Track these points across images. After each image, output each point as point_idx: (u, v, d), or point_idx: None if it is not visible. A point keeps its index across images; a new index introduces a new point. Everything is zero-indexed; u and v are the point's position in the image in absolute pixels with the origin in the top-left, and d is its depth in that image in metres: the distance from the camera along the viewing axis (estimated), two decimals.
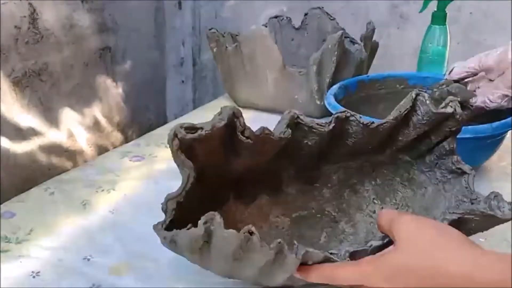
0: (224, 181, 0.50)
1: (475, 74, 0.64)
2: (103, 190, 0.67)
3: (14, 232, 0.57)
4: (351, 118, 0.47)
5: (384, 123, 0.47)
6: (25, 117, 0.79)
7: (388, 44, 1.12)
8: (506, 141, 0.68)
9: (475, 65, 0.63)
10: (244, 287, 0.49)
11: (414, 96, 0.46)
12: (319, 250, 0.40)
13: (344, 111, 0.47)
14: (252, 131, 0.43)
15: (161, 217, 0.60)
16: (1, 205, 0.63)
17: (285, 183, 0.55)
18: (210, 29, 0.95)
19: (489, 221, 0.42)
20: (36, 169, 0.81)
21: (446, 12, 0.87)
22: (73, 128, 0.91)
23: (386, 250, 0.39)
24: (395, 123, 0.47)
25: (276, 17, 1.06)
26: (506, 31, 1.01)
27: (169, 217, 0.42)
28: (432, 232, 0.37)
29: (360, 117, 0.47)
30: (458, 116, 0.45)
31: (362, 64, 0.91)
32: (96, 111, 0.98)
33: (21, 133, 0.79)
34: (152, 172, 0.73)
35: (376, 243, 0.41)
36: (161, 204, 0.42)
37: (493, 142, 0.66)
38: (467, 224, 0.43)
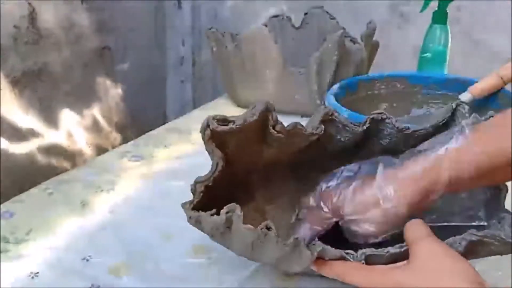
0: (253, 167, 0.51)
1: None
2: (102, 190, 0.67)
3: (13, 232, 0.57)
4: (387, 121, 0.47)
5: (421, 129, 0.47)
6: (24, 117, 0.79)
7: (388, 44, 1.12)
8: None
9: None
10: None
11: (454, 107, 0.47)
12: (335, 249, 0.41)
13: (380, 113, 0.47)
14: (284, 126, 0.44)
15: (161, 217, 0.60)
16: (1, 205, 0.62)
17: (316, 175, 0.54)
18: (210, 29, 0.94)
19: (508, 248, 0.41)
20: (35, 169, 0.81)
21: (447, 11, 0.87)
22: (72, 128, 0.91)
23: (399, 264, 0.40)
24: (431, 131, 0.47)
25: (276, 16, 1.06)
26: (506, 31, 1.01)
27: (197, 198, 0.43)
28: (445, 263, 0.37)
29: (396, 121, 0.46)
30: None
31: (362, 63, 0.91)
32: (95, 111, 0.97)
33: (20, 133, 0.79)
34: (151, 172, 0.72)
35: (393, 250, 0.40)
36: (191, 185, 0.44)
37: None
38: (486, 247, 0.41)
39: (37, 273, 0.50)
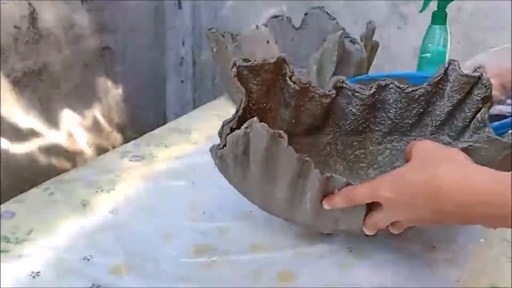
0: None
1: None
2: (102, 190, 0.67)
3: (14, 232, 0.57)
4: (391, 86, 0.54)
5: (419, 88, 0.53)
6: (24, 117, 0.79)
7: (388, 44, 1.12)
8: None
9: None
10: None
11: (446, 65, 0.51)
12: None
13: (384, 79, 0.54)
14: (299, 78, 0.51)
15: (162, 217, 0.60)
16: (1, 205, 0.62)
17: (329, 153, 0.59)
18: (210, 29, 0.94)
19: (496, 147, 0.46)
20: (36, 169, 0.81)
21: (447, 12, 0.87)
22: (72, 128, 0.91)
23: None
24: (429, 89, 0.53)
25: (276, 17, 1.06)
26: (506, 31, 1.01)
27: (223, 142, 0.46)
28: (437, 151, 0.42)
29: (397, 82, 0.54)
30: (485, 82, 0.49)
31: (362, 64, 0.91)
32: (95, 111, 0.98)
33: (20, 133, 0.79)
34: (152, 172, 0.72)
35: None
36: (218, 129, 0.48)
37: None
38: (478, 152, 0.48)
39: (38, 272, 0.50)
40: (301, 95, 0.53)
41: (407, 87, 0.54)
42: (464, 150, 0.45)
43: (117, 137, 1.04)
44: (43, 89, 0.82)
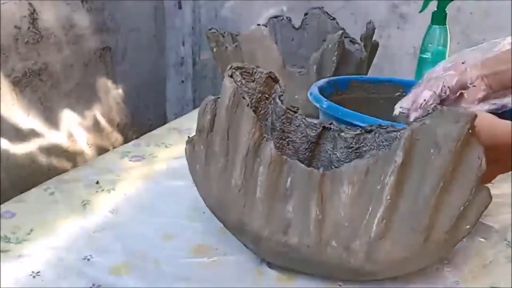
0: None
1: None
2: (103, 190, 0.67)
3: (14, 232, 0.57)
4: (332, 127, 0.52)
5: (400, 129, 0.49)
6: (25, 118, 0.79)
7: (388, 44, 1.12)
8: None
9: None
10: None
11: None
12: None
13: (370, 126, 0.49)
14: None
15: (162, 217, 0.60)
16: (1, 205, 0.62)
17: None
18: (210, 29, 0.95)
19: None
20: (36, 169, 0.81)
21: (446, 12, 0.87)
22: (73, 128, 0.91)
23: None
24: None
25: (276, 17, 1.06)
26: (506, 31, 1.01)
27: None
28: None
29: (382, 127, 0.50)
30: None
31: (362, 64, 0.91)
32: (95, 111, 0.98)
33: (21, 133, 0.79)
34: (152, 172, 0.72)
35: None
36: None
37: None
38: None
39: (38, 272, 0.50)
40: (287, 120, 0.52)
41: (390, 127, 0.49)
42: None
43: (117, 137, 1.04)
44: (43, 89, 0.82)
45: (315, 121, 0.52)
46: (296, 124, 0.53)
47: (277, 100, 0.51)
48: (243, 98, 0.43)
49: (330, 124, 0.51)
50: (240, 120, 0.43)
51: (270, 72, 0.50)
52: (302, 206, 0.41)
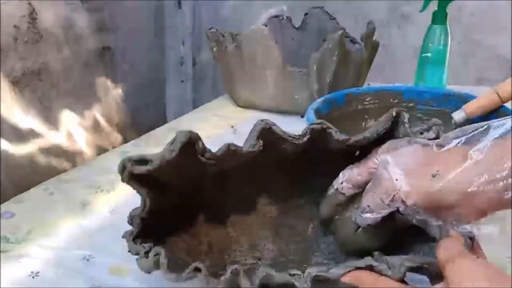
0: (201, 181, 0.48)
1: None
2: (102, 190, 0.67)
3: (13, 232, 0.57)
4: (328, 131, 0.44)
5: (361, 139, 0.44)
6: (24, 118, 0.79)
7: (388, 44, 1.12)
8: None
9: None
10: None
11: (394, 114, 0.43)
12: (281, 273, 0.37)
13: (320, 123, 0.44)
14: (213, 153, 0.41)
15: None
16: (1, 205, 0.62)
17: (271, 176, 0.52)
18: (210, 29, 0.94)
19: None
20: (36, 169, 0.81)
21: (447, 11, 0.87)
22: (72, 128, 0.90)
23: (437, 285, 0.36)
24: (372, 140, 0.44)
25: (276, 17, 1.06)
26: (506, 31, 1.01)
27: (136, 229, 0.43)
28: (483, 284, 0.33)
29: (336, 132, 0.44)
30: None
31: (362, 63, 0.91)
32: (95, 111, 0.97)
33: (20, 133, 0.79)
34: None
35: (338, 271, 0.37)
36: (127, 217, 0.43)
37: None
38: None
39: (38, 272, 0.50)
40: (222, 161, 0.43)
41: (347, 140, 0.44)
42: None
43: (117, 137, 1.04)
44: (43, 89, 0.82)
45: (252, 145, 0.44)
46: (235, 155, 0.44)
47: (202, 159, 0.42)
48: (199, 270, 0.38)
49: (269, 129, 0.45)
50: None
51: (183, 142, 0.39)
52: None
